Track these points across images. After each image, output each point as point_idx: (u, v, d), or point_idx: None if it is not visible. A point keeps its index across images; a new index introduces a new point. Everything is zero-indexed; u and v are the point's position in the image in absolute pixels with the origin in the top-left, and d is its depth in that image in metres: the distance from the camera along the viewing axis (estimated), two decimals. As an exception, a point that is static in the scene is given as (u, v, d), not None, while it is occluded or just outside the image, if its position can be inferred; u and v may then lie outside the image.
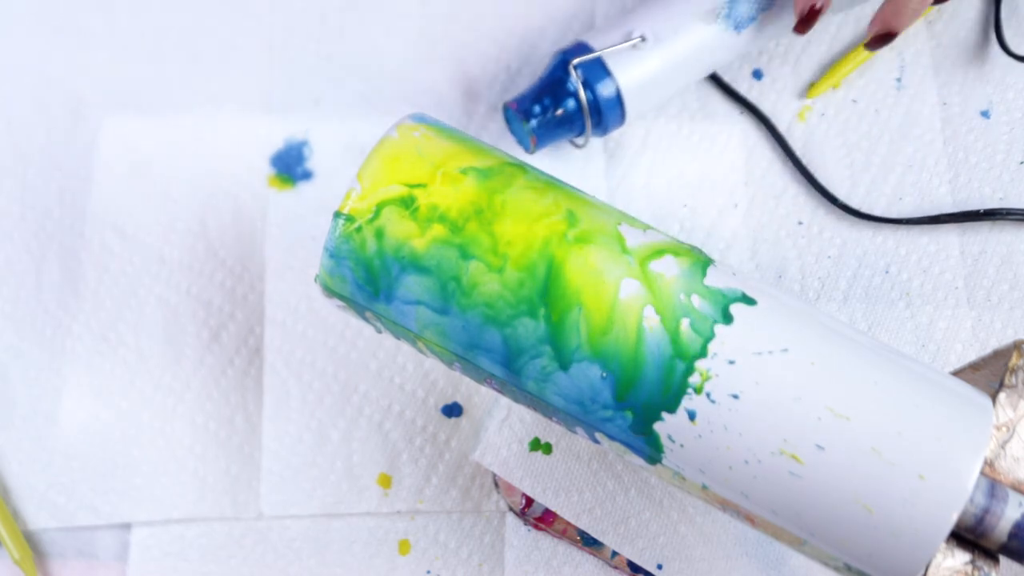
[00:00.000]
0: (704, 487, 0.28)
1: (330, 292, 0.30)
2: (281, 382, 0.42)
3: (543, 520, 0.40)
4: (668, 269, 0.27)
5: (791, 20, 0.41)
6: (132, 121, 0.46)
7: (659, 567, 0.38)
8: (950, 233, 0.43)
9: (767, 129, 0.45)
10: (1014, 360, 0.28)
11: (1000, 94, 0.45)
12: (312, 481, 0.41)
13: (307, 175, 0.45)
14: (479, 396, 0.42)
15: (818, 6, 0.38)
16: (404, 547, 0.41)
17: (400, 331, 0.30)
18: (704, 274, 0.28)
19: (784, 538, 0.28)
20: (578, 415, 0.28)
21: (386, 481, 0.41)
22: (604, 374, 0.27)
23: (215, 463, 0.42)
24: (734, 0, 0.40)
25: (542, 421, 0.39)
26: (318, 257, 0.43)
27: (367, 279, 0.29)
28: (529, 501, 0.39)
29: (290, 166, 0.46)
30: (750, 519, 0.28)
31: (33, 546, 0.41)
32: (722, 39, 0.41)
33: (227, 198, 0.45)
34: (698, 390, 0.26)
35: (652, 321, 0.27)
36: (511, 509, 0.40)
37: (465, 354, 0.29)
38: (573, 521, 0.38)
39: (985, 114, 0.45)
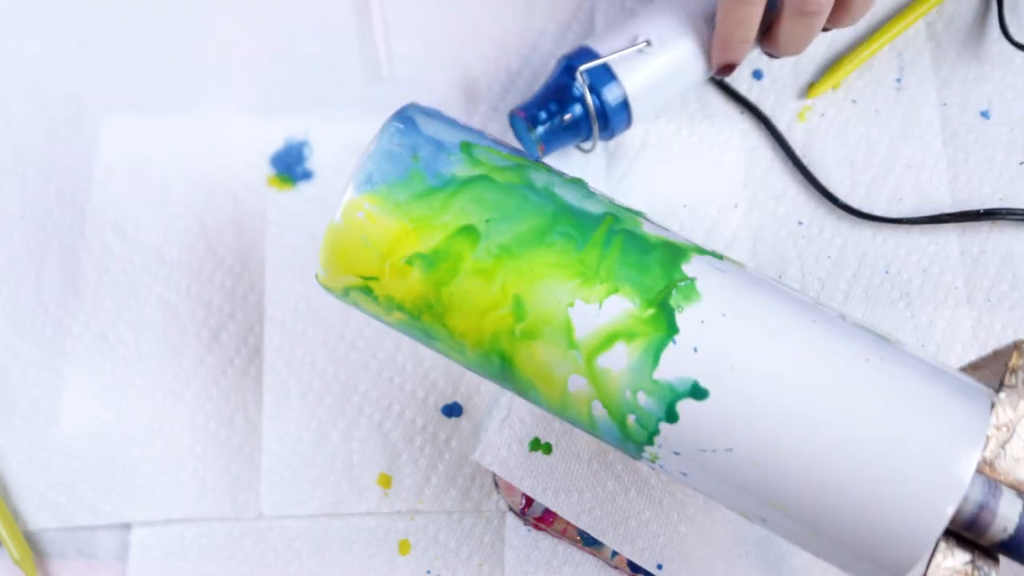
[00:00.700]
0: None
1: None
2: (281, 382, 0.42)
3: (543, 520, 0.40)
4: (616, 363, 0.27)
5: None
6: (132, 121, 0.46)
7: (659, 567, 0.38)
8: (950, 233, 0.43)
9: (767, 129, 0.45)
10: (1014, 360, 0.28)
11: (1000, 94, 0.45)
12: (312, 481, 0.41)
13: (307, 175, 0.45)
14: (479, 396, 0.42)
15: (736, 63, 0.40)
16: (404, 547, 0.41)
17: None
18: (656, 362, 0.27)
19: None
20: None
21: (386, 481, 0.41)
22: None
23: (215, 463, 0.42)
24: None
25: (542, 421, 0.39)
26: (317, 256, 0.43)
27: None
28: (529, 501, 0.39)
29: (290, 166, 0.46)
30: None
31: (33, 546, 0.41)
32: None
33: (227, 198, 0.45)
34: (652, 459, 0.28)
35: (600, 412, 0.28)
36: (511, 509, 0.40)
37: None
38: (573, 521, 0.38)
39: (985, 114, 0.45)
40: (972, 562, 0.26)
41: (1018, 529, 0.25)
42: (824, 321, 0.28)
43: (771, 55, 0.41)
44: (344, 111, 0.46)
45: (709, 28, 0.40)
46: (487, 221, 0.28)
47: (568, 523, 0.39)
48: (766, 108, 0.46)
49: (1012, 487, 0.26)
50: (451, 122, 0.31)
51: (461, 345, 0.29)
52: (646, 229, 0.29)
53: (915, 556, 0.25)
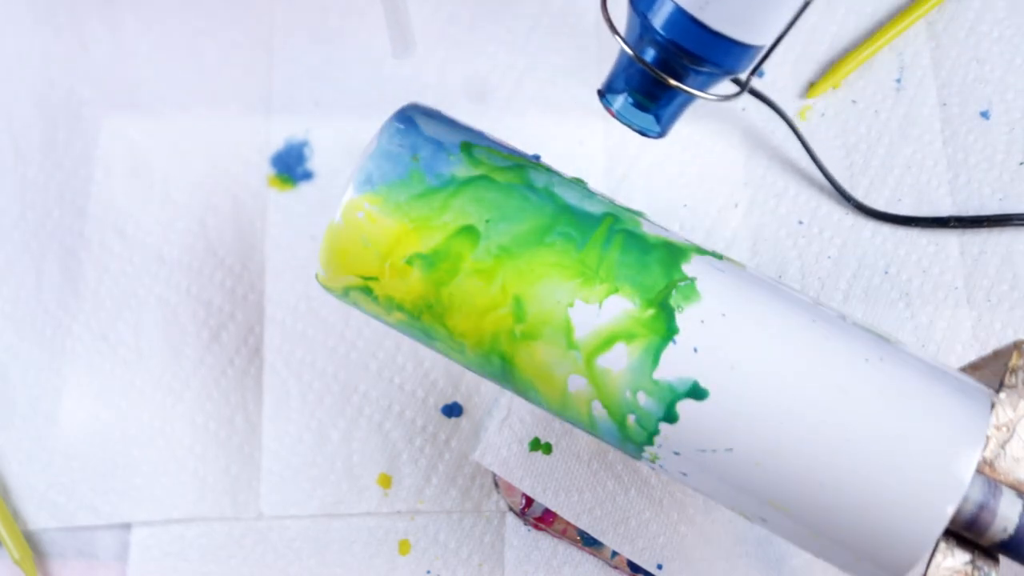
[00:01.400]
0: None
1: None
2: (281, 382, 0.42)
3: (543, 520, 0.40)
4: (616, 363, 0.27)
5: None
6: (132, 121, 0.46)
7: (659, 567, 0.38)
8: (950, 233, 0.43)
9: (778, 115, 0.44)
10: (1014, 360, 0.28)
11: (1000, 94, 0.45)
12: (312, 481, 0.41)
13: (307, 175, 0.45)
14: (479, 396, 0.42)
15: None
16: (404, 547, 0.41)
17: None
18: (656, 362, 0.27)
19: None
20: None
21: (386, 481, 0.41)
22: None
23: (215, 463, 0.42)
24: None
25: (542, 421, 0.39)
26: (317, 256, 0.43)
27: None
28: (529, 501, 0.39)
29: (290, 166, 0.46)
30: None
31: (33, 546, 0.41)
32: None
33: (227, 198, 0.45)
34: (652, 459, 0.28)
35: (600, 412, 0.28)
36: (511, 509, 0.40)
37: None
38: (573, 521, 0.38)
39: (985, 115, 0.45)
40: (972, 562, 0.26)
41: (1018, 529, 0.25)
42: (824, 321, 0.28)
43: None
44: (344, 111, 0.46)
45: None
46: (487, 221, 0.28)
47: (568, 523, 0.39)
48: (766, 107, 0.46)
49: (1012, 487, 0.26)
50: (451, 122, 0.31)
51: (461, 345, 0.29)
52: (646, 229, 0.29)
53: (915, 556, 0.25)
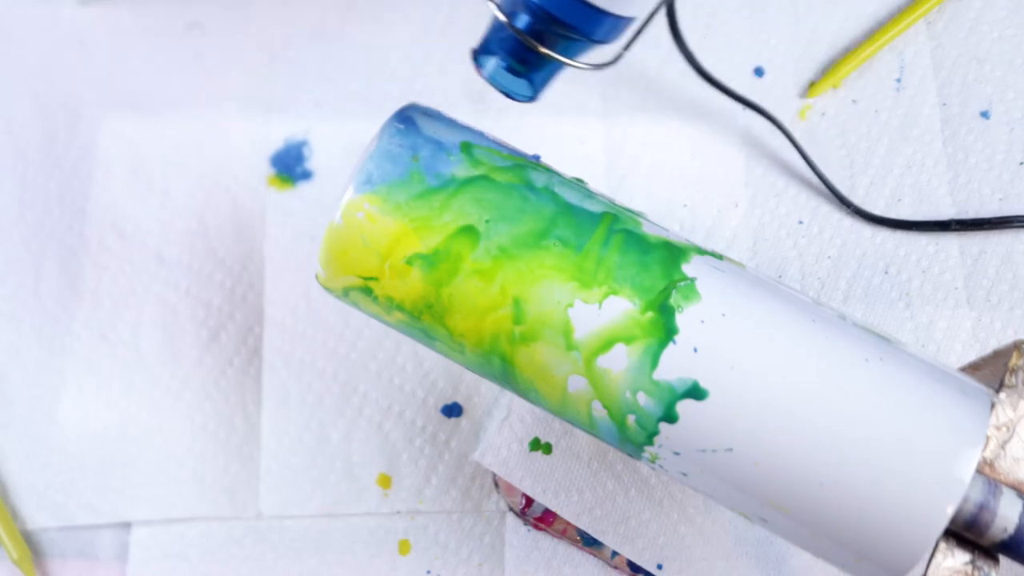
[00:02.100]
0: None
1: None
2: (280, 382, 0.42)
3: (543, 520, 0.40)
4: (616, 363, 0.27)
5: None
6: (132, 121, 0.46)
7: (659, 567, 0.38)
8: (950, 234, 0.43)
9: (774, 126, 0.45)
10: (1014, 360, 0.28)
11: (1000, 94, 0.45)
12: (312, 481, 0.41)
13: (307, 175, 0.45)
14: (479, 396, 0.42)
15: None
16: (404, 547, 0.41)
17: None
18: (656, 362, 0.27)
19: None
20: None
21: (386, 481, 0.41)
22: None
23: (214, 463, 0.42)
24: None
25: (542, 421, 0.39)
26: (317, 256, 0.43)
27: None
28: (529, 501, 0.39)
29: (290, 166, 0.46)
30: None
31: (32, 546, 0.41)
32: None
33: (226, 198, 0.45)
34: (652, 459, 0.28)
35: (600, 412, 0.28)
36: (511, 509, 0.40)
37: None
38: (573, 521, 0.38)
39: (985, 115, 0.45)
40: (972, 562, 0.26)
41: (1018, 529, 0.25)
42: (824, 321, 0.28)
43: None
44: (344, 111, 0.46)
45: None
46: (487, 221, 0.28)
47: (568, 523, 0.39)
48: (767, 107, 0.46)
49: (1012, 487, 0.26)
50: (451, 122, 0.31)
51: (461, 345, 0.29)
52: (646, 229, 0.29)
53: (915, 556, 0.25)
